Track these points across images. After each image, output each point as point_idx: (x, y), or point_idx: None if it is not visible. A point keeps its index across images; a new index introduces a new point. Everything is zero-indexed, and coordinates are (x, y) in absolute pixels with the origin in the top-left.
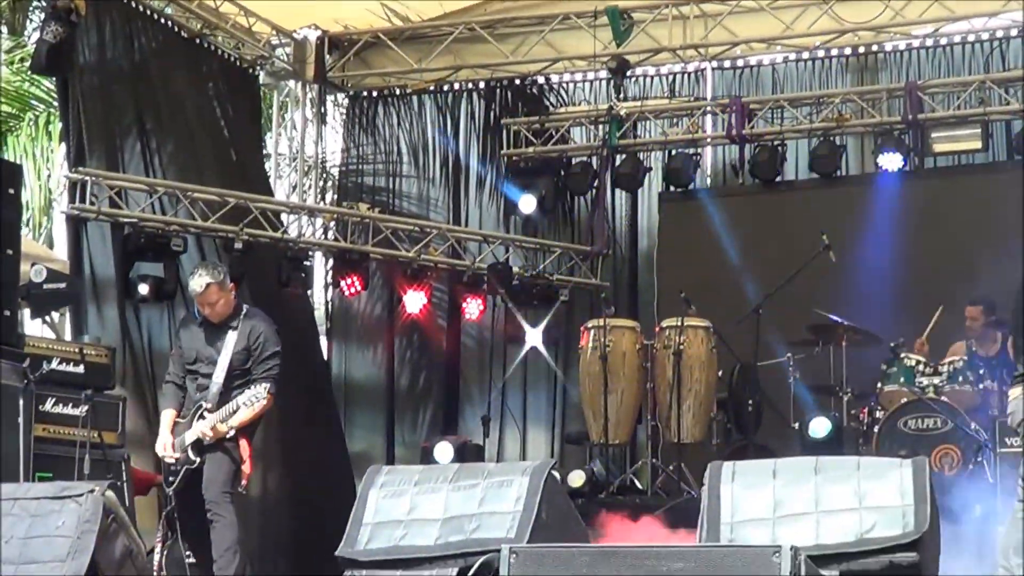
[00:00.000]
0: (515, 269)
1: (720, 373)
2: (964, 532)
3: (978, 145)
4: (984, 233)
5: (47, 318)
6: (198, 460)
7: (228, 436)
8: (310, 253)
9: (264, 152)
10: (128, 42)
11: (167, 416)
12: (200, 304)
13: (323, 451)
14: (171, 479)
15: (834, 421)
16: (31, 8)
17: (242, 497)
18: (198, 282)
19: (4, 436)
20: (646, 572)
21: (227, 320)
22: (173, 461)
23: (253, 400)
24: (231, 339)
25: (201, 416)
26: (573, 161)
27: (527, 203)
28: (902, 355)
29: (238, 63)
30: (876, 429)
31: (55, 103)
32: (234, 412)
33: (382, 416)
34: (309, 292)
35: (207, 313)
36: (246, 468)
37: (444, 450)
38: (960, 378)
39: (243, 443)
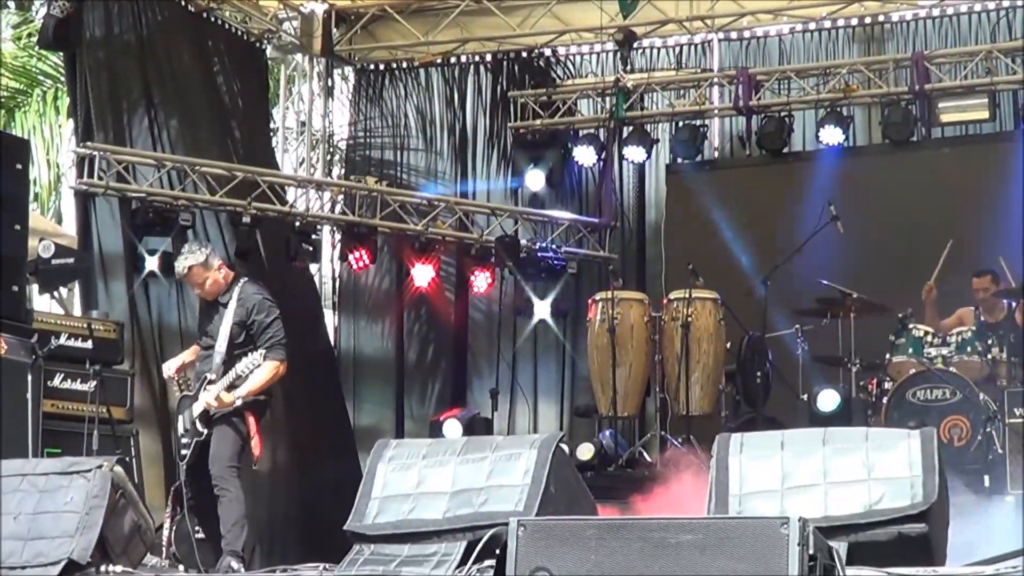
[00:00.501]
0: (523, 242)
1: (728, 345)
2: (973, 503)
3: (985, 115)
4: (991, 202)
5: (55, 293)
6: (206, 432)
7: (235, 407)
8: (318, 227)
9: (272, 126)
10: (135, 17)
11: (192, 348)
12: (188, 285)
13: (327, 426)
14: (183, 452)
15: (842, 394)
16: None
17: (250, 472)
18: (181, 264)
19: (8, 412)
20: (654, 544)
21: (220, 296)
22: (171, 377)
23: (250, 366)
24: (227, 313)
25: (207, 388)
26: (580, 133)
27: (534, 179)
28: (910, 326)
29: (245, 37)
30: (885, 400)
31: (63, 78)
32: (236, 379)
33: (391, 390)
34: (316, 267)
35: (196, 293)
36: (255, 445)
37: (453, 427)
38: (968, 348)
39: (250, 419)
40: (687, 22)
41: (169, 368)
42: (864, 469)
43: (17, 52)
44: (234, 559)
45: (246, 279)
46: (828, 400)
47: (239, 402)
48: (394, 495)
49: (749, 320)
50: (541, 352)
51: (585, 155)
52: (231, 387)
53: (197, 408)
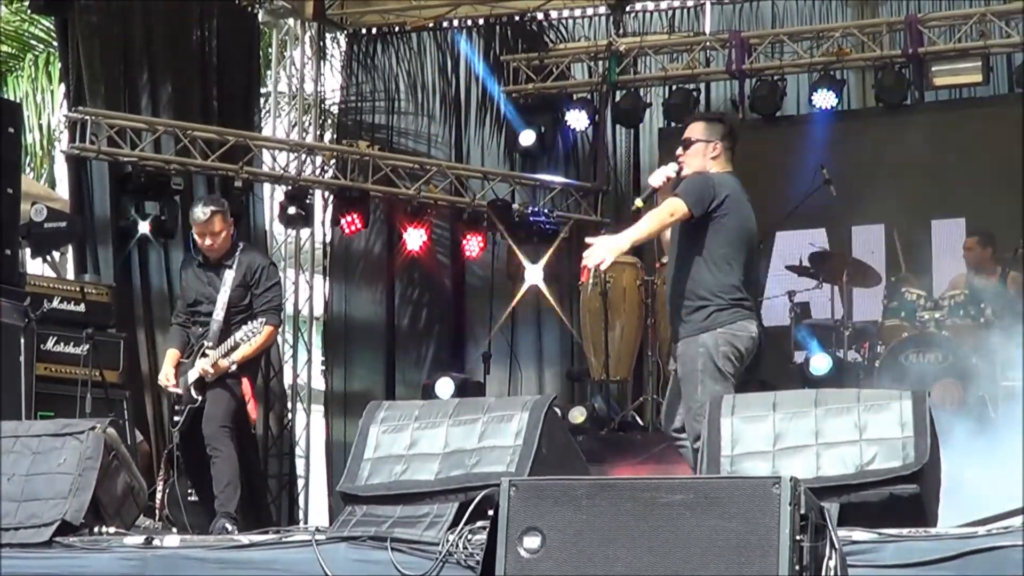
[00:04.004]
0: (515, 206)
1: None
2: (965, 466)
3: (979, 78)
4: (985, 166)
5: (47, 257)
6: (200, 399)
7: (230, 372)
8: (310, 191)
9: (264, 91)
10: None
11: (171, 355)
12: (201, 235)
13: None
14: (176, 419)
15: (834, 357)
16: None
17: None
18: (202, 211)
19: (5, 375)
20: (645, 503)
21: (223, 258)
22: (175, 392)
23: (250, 335)
24: (228, 276)
25: (203, 355)
26: (573, 97)
27: (527, 137)
28: (903, 290)
29: (237, 1)
30: (877, 364)
31: (55, 43)
32: (233, 348)
33: (382, 355)
34: (308, 231)
35: (207, 246)
36: (251, 409)
37: (445, 386)
38: (961, 312)
39: (245, 381)
40: None
41: (169, 380)
42: (856, 430)
43: (9, 16)
44: (228, 520)
45: (244, 243)
46: (820, 363)
47: (234, 367)
48: (386, 456)
49: None
50: (533, 316)
51: (578, 119)
52: (227, 354)
53: (192, 375)
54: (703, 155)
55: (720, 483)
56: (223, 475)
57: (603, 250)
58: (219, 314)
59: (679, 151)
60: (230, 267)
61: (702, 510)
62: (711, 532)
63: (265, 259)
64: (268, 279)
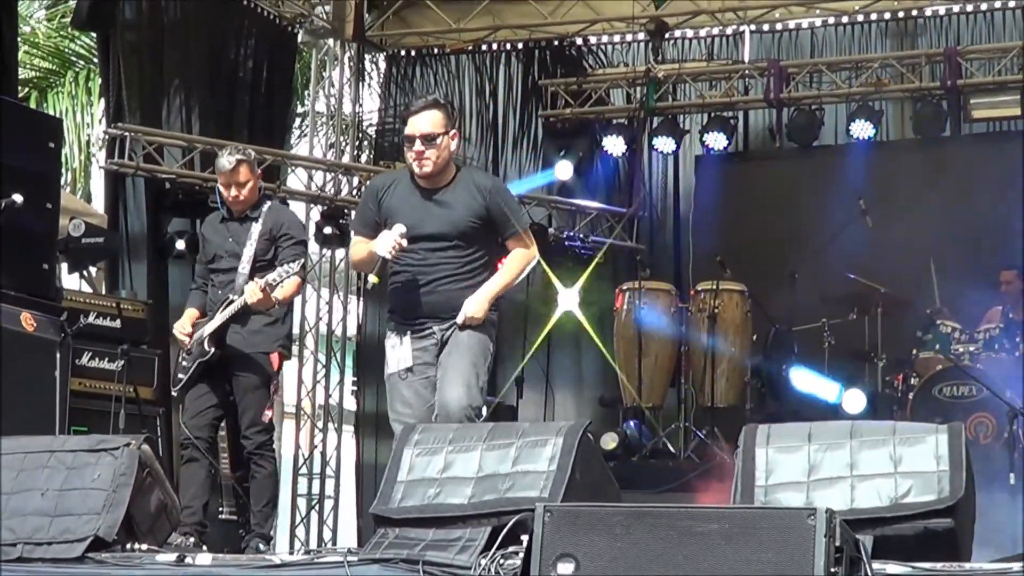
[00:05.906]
0: (550, 230)
1: (755, 337)
2: (999, 500)
3: (1017, 111)
4: (1020, 199)
5: (84, 272)
6: (211, 351)
7: (258, 351)
8: (345, 211)
9: (303, 110)
10: None
11: (189, 312)
12: (226, 186)
13: None
14: (179, 376)
15: (869, 393)
16: None
17: None
18: (227, 159)
19: (36, 390)
20: (681, 532)
21: (250, 212)
22: (187, 343)
23: (283, 274)
24: (255, 229)
25: (225, 307)
26: (611, 123)
27: (563, 170)
28: (938, 322)
29: (277, 21)
30: (911, 396)
31: (95, 60)
32: (265, 286)
33: None
34: (343, 250)
35: (232, 197)
36: (273, 390)
37: None
38: (996, 345)
39: (273, 357)
40: (719, 13)
41: (184, 329)
42: (891, 463)
43: (50, 33)
44: (262, 541)
45: (273, 198)
46: (854, 402)
47: (276, 296)
48: (420, 479)
49: (776, 313)
50: (567, 342)
51: (615, 144)
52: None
53: (209, 328)
54: (448, 148)
55: (756, 513)
56: (263, 493)
57: (475, 307)
58: (244, 267)
59: (420, 147)
60: (256, 220)
61: (737, 540)
62: (745, 562)
63: (293, 215)
64: (297, 232)
